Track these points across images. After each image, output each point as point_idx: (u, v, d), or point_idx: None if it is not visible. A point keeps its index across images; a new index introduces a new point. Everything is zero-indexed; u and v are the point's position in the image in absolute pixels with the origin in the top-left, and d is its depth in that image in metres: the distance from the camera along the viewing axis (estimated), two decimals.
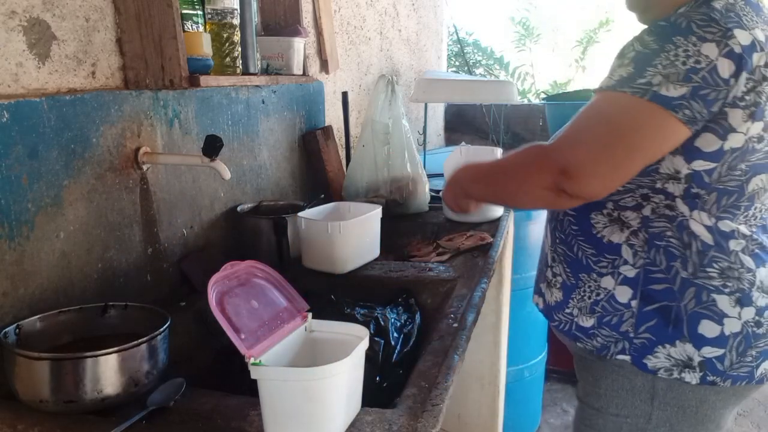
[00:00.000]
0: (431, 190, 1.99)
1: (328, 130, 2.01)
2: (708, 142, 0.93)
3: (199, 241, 1.41)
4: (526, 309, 2.14)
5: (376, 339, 1.13)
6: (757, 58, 0.88)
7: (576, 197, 0.92)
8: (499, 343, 1.99)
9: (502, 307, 1.96)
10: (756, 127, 0.92)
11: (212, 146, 1.15)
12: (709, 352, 0.98)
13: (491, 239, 1.68)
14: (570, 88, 5.47)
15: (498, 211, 1.89)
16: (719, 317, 0.98)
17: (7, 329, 0.90)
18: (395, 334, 1.18)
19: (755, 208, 0.98)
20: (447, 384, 0.93)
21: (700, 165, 0.94)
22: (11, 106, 0.93)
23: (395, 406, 0.87)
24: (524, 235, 2.21)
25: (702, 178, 0.95)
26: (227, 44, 1.33)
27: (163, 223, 1.29)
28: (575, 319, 1.09)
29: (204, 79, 1.20)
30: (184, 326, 1.17)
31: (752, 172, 0.95)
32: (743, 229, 0.98)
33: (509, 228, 1.92)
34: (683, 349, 0.99)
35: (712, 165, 0.94)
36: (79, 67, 1.09)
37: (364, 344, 0.83)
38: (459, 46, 4.97)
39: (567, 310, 1.11)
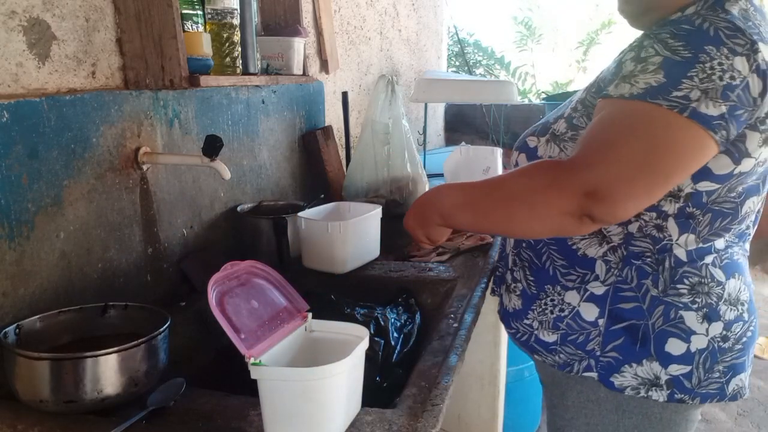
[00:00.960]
0: None
1: (328, 130, 2.01)
2: (722, 165, 0.87)
3: (199, 241, 1.41)
4: None
5: (376, 339, 1.13)
6: None
7: (602, 222, 0.81)
8: (499, 343, 1.99)
9: None
10: (765, 152, 0.87)
11: (212, 146, 1.15)
12: (676, 369, 0.95)
13: (491, 239, 1.67)
14: (571, 89, 5.47)
15: None
16: (687, 335, 0.95)
17: (7, 329, 0.90)
18: (395, 334, 1.18)
19: (739, 229, 0.96)
20: (447, 384, 0.93)
21: (705, 186, 0.89)
22: (11, 106, 0.93)
23: (395, 406, 0.87)
24: None
25: (700, 198, 0.91)
26: (227, 44, 1.33)
27: (163, 223, 1.29)
28: (535, 332, 1.05)
29: (204, 79, 1.20)
30: (184, 326, 1.17)
31: (746, 194, 0.92)
32: (720, 243, 0.96)
33: None
34: (650, 368, 0.96)
35: (716, 186, 0.89)
36: (79, 67, 1.09)
37: (364, 344, 0.83)
38: (459, 46, 4.96)
39: (526, 321, 1.06)
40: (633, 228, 0.95)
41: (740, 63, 0.79)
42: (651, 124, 0.79)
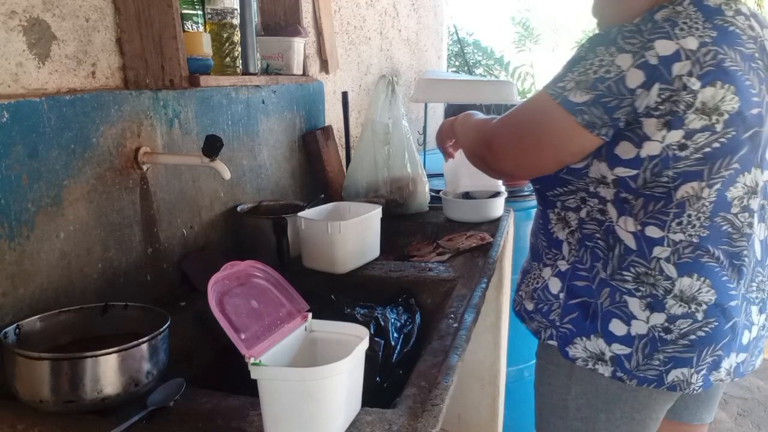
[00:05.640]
0: (431, 190, 1.99)
1: (328, 130, 2.01)
2: (625, 150, 0.97)
3: (199, 241, 1.41)
4: None
5: (376, 339, 1.13)
6: (679, 68, 0.90)
7: (493, 170, 1.12)
8: (499, 343, 1.99)
9: (502, 307, 1.96)
10: (674, 136, 0.93)
11: (212, 146, 1.15)
12: (618, 349, 1.03)
13: (491, 239, 1.68)
14: None
15: (498, 210, 1.89)
16: (628, 318, 1.02)
17: (7, 329, 0.90)
18: (395, 334, 1.18)
19: (688, 216, 0.98)
20: (447, 384, 0.93)
21: (622, 171, 0.99)
22: (11, 106, 0.93)
23: (395, 406, 0.87)
24: (524, 235, 2.20)
25: (628, 184, 0.99)
26: (227, 44, 1.33)
27: (163, 223, 1.29)
28: (523, 301, 1.19)
29: (204, 79, 1.20)
30: (184, 326, 1.17)
31: (681, 179, 0.96)
32: (676, 237, 0.99)
33: (509, 228, 1.92)
34: (597, 344, 1.05)
35: (633, 171, 0.98)
36: (79, 67, 1.09)
37: (364, 344, 0.83)
38: (459, 46, 4.96)
39: (519, 293, 1.21)
40: (583, 213, 1.08)
41: (622, 59, 0.92)
42: (535, 105, 1.02)
